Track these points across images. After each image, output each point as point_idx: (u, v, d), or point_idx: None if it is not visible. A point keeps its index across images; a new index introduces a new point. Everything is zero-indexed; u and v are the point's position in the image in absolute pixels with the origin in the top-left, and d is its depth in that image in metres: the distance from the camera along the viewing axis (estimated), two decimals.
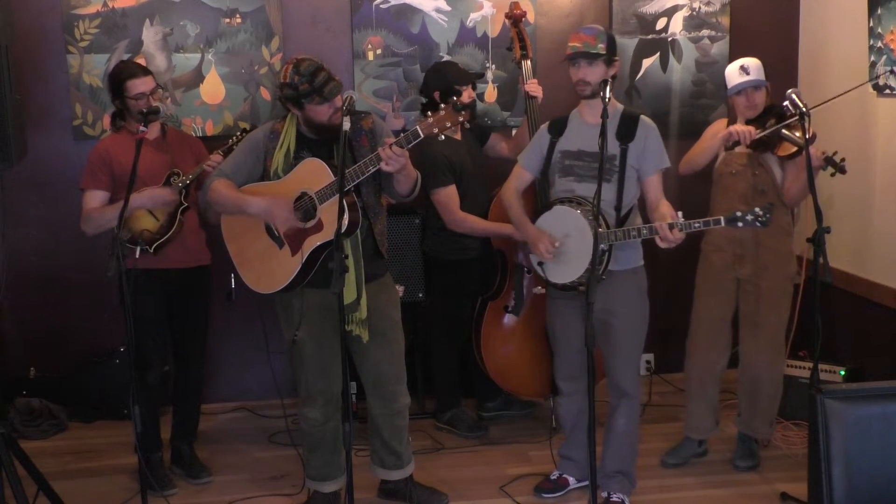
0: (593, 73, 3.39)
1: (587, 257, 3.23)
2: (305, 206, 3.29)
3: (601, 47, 3.37)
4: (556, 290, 3.53)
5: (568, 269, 3.41)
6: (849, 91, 3.95)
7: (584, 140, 3.46)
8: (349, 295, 3.31)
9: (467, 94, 4.26)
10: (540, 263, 3.50)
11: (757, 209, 3.16)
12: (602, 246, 3.24)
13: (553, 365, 3.78)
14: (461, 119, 3.10)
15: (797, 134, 3.65)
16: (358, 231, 3.31)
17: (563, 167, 3.50)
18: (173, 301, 3.89)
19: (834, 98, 3.94)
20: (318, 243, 3.27)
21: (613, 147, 3.42)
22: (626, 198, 3.41)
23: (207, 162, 3.80)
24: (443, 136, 3.16)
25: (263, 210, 3.33)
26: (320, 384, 3.50)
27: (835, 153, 3.59)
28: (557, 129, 3.55)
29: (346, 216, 3.11)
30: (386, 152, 3.12)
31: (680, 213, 3.21)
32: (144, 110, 3.47)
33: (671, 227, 3.17)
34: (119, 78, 3.76)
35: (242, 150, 3.49)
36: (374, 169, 3.18)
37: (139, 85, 3.74)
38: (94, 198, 3.78)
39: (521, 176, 3.64)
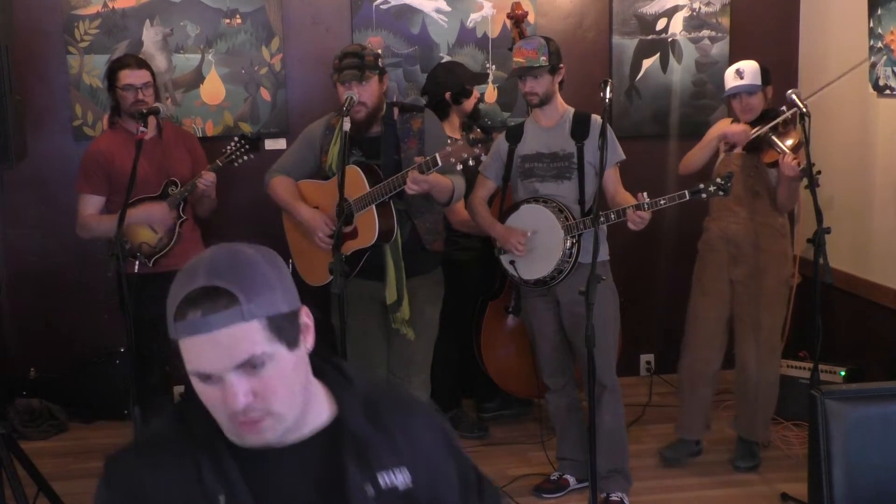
0: (539, 84, 3.51)
1: (557, 251, 3.42)
2: (347, 212, 3.34)
3: (543, 59, 3.45)
4: (528, 288, 3.61)
5: (539, 264, 3.50)
6: (846, 73, 3.94)
7: (540, 143, 3.58)
8: (391, 296, 3.39)
9: (473, 95, 4.29)
10: (511, 263, 3.57)
11: (718, 179, 3.25)
12: (570, 239, 3.41)
13: (537, 363, 3.81)
14: (477, 153, 3.14)
15: (788, 143, 3.63)
16: (398, 235, 3.37)
17: (523, 171, 3.60)
18: None
19: (830, 84, 3.94)
20: (354, 249, 3.37)
21: (570, 146, 3.51)
22: (587, 192, 3.50)
23: (200, 179, 3.66)
24: (460, 166, 3.21)
25: (306, 223, 3.47)
26: None
27: (812, 165, 3.56)
28: (514, 136, 3.65)
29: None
30: (408, 181, 3.18)
31: (644, 194, 3.28)
32: (144, 111, 3.44)
33: (638, 207, 3.26)
34: (111, 67, 3.70)
35: (300, 146, 3.60)
36: (400, 189, 3.22)
37: (129, 76, 3.63)
38: (90, 203, 3.71)
39: (485, 185, 3.73)
